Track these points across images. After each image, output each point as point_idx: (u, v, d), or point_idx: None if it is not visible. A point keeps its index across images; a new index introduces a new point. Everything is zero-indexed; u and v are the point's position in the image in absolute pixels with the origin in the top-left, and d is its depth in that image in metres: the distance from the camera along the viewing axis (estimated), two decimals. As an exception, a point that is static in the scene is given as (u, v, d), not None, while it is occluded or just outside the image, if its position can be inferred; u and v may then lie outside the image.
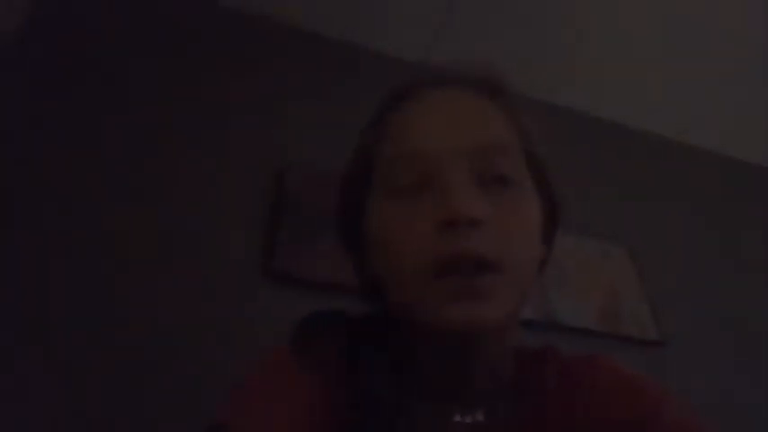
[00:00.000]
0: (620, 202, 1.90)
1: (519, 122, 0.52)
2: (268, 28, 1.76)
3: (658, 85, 2.02)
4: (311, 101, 1.65)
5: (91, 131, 1.33)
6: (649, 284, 1.66)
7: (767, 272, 1.95)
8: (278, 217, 1.33)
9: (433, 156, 0.47)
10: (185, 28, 1.64)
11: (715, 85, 2.01)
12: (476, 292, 0.43)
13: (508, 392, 0.50)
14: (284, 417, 0.46)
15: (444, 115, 0.50)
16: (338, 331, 0.54)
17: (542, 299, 1.47)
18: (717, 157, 2.25)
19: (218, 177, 1.38)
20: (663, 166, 2.11)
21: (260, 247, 1.29)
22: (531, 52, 1.90)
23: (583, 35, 1.86)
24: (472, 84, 0.53)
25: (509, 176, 0.47)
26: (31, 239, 1.14)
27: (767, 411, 1.56)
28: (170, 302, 1.15)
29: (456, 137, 0.48)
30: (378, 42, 1.88)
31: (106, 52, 1.49)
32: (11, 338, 1.01)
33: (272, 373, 0.50)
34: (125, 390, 1.02)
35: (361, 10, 1.80)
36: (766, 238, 2.07)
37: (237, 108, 1.54)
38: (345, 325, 0.55)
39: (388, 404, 0.48)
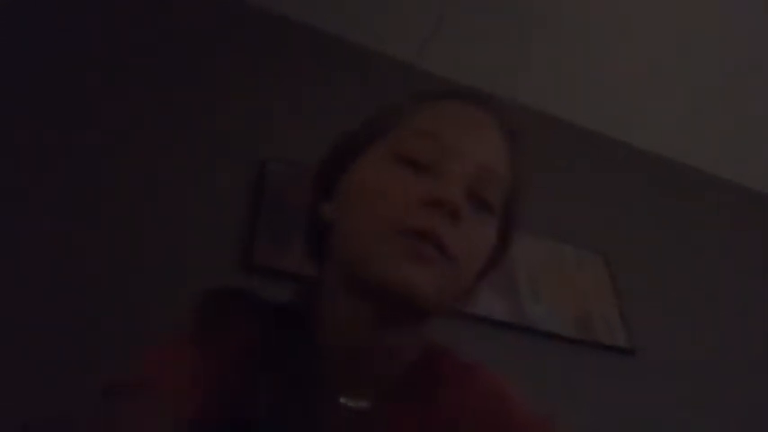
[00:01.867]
0: (595, 209, 1.93)
1: (516, 159, 0.59)
2: (257, 19, 1.76)
3: (638, 96, 2.05)
4: (295, 94, 1.65)
5: (73, 121, 1.32)
6: (623, 293, 1.70)
7: (740, 282, 2.00)
8: (258, 210, 1.34)
9: (452, 147, 0.53)
10: (172, 18, 1.63)
11: (693, 99, 2.05)
12: (422, 256, 0.48)
13: (399, 383, 0.55)
14: (181, 384, 0.48)
15: (472, 123, 0.57)
16: (244, 315, 0.57)
17: (516, 302, 1.50)
18: (692, 169, 2.29)
19: (199, 170, 1.38)
20: (639, 176, 2.15)
21: (240, 241, 1.29)
22: (521, 56, 1.92)
23: (573, 42, 1.89)
24: (493, 113, 0.59)
25: (491, 204, 0.54)
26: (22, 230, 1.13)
27: (736, 420, 1.61)
28: (149, 295, 1.15)
29: (475, 145, 0.55)
30: (368, 39, 1.88)
31: (93, 41, 1.47)
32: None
33: (171, 354, 0.52)
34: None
35: (353, 6, 1.80)
36: (739, 249, 2.12)
37: (221, 100, 1.54)
38: (251, 310, 0.58)
39: (282, 390, 0.52)
